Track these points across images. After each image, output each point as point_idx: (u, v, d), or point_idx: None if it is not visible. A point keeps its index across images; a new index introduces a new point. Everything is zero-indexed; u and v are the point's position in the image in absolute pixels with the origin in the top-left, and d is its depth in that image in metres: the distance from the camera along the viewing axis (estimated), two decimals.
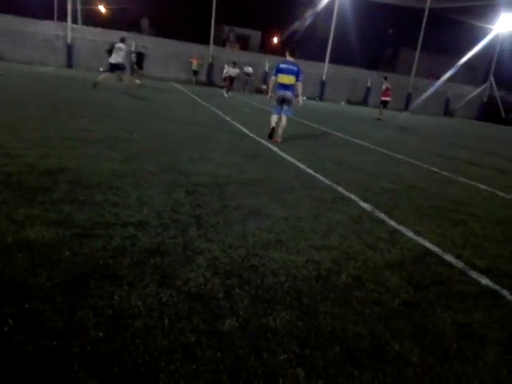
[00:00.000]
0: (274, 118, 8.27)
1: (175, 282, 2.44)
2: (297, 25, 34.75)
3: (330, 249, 3.26)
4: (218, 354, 1.90)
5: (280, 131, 8.31)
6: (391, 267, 3.07)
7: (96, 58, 25.91)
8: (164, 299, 2.26)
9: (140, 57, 18.86)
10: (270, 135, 8.17)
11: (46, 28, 25.15)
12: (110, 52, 14.46)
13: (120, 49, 14.26)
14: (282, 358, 1.94)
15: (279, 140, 8.20)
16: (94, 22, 30.72)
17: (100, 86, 14.03)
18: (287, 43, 38.52)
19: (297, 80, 8.07)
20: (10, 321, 1.89)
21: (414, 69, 31.19)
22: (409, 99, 31.71)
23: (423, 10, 29.64)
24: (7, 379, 1.61)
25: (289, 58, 8.17)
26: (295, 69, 8.05)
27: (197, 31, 29.73)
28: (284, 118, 8.33)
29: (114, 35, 26.78)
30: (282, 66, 8.04)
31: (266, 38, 43.20)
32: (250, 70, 27.04)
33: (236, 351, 1.94)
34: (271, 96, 8.58)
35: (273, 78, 8.24)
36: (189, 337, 1.99)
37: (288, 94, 8.14)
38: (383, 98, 18.59)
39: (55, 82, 15.69)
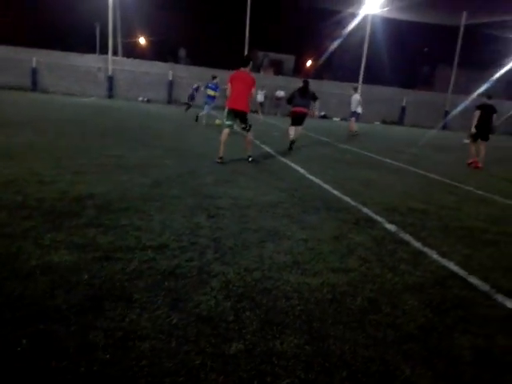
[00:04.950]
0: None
1: (187, 305, 2.48)
2: (329, 46, 35.04)
3: (348, 271, 3.21)
4: (222, 377, 1.91)
5: None
6: (410, 290, 2.98)
7: (135, 88, 27.11)
8: (174, 321, 2.30)
9: None
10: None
11: (89, 61, 26.61)
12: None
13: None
14: (285, 382, 1.92)
15: None
16: (134, 54, 32.29)
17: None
18: (320, 65, 38.86)
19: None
20: (23, 341, 1.99)
21: (451, 86, 30.56)
22: (446, 116, 30.97)
23: (458, 27, 29.20)
24: None
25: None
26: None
27: (232, 58, 30.54)
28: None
29: (152, 65, 28.04)
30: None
31: (300, 62, 43.79)
32: (281, 93, 27.38)
33: (240, 374, 1.94)
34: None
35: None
36: (194, 359, 2.01)
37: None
38: None
39: (97, 110, 16.48)
